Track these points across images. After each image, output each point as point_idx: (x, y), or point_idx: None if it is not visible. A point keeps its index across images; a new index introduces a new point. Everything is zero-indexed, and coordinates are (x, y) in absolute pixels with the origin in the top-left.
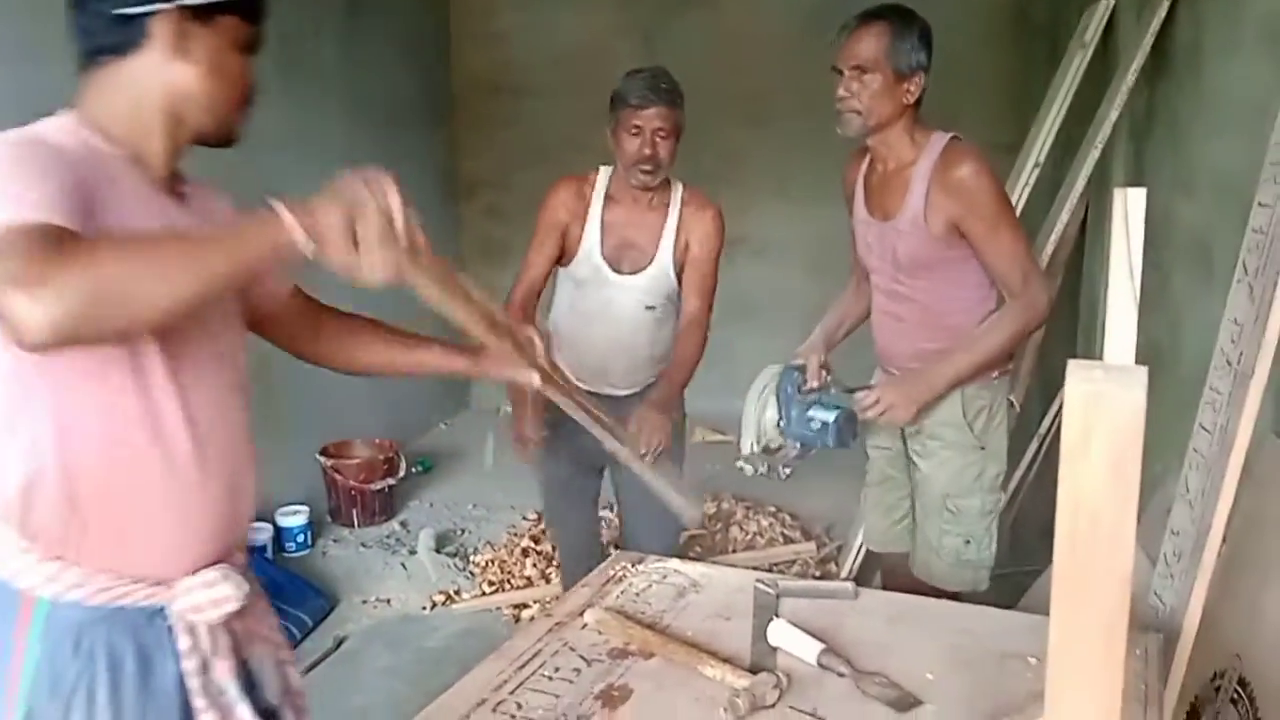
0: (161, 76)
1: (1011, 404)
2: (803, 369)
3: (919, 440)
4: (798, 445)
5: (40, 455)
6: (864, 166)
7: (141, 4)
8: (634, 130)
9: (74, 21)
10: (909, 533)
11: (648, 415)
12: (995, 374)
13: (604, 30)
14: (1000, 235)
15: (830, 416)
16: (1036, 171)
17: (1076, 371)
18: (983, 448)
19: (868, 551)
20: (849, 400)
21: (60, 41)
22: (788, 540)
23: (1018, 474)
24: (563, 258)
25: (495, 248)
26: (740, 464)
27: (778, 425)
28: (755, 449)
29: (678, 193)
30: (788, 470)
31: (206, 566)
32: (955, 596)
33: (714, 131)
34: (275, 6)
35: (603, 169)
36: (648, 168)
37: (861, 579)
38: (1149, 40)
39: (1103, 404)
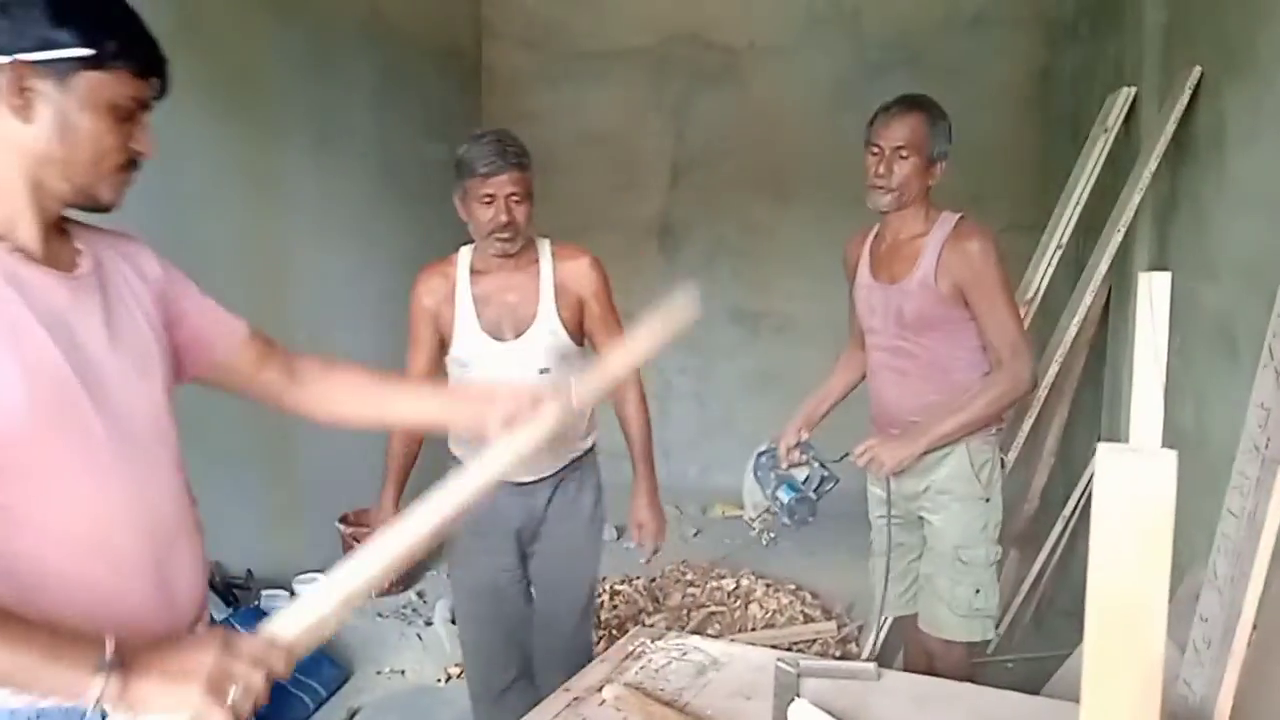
0: (9, 137)
1: (1002, 459)
2: (773, 451)
3: (928, 497)
4: (790, 514)
5: None
6: (870, 238)
7: None
8: (486, 199)
9: None
10: (918, 595)
11: (646, 518)
12: (994, 430)
13: (633, 108)
14: (999, 307)
15: (786, 497)
16: (1059, 253)
17: (1107, 456)
18: (987, 499)
19: (889, 631)
20: (815, 479)
21: None
22: (808, 619)
23: (1042, 556)
24: (443, 345)
25: None
26: (747, 525)
27: (765, 498)
28: (754, 514)
29: (545, 247)
30: (772, 535)
31: None
32: (967, 651)
33: (738, 206)
34: (308, 81)
35: (463, 248)
36: (506, 235)
37: (883, 660)
38: (1171, 126)
39: (1133, 489)
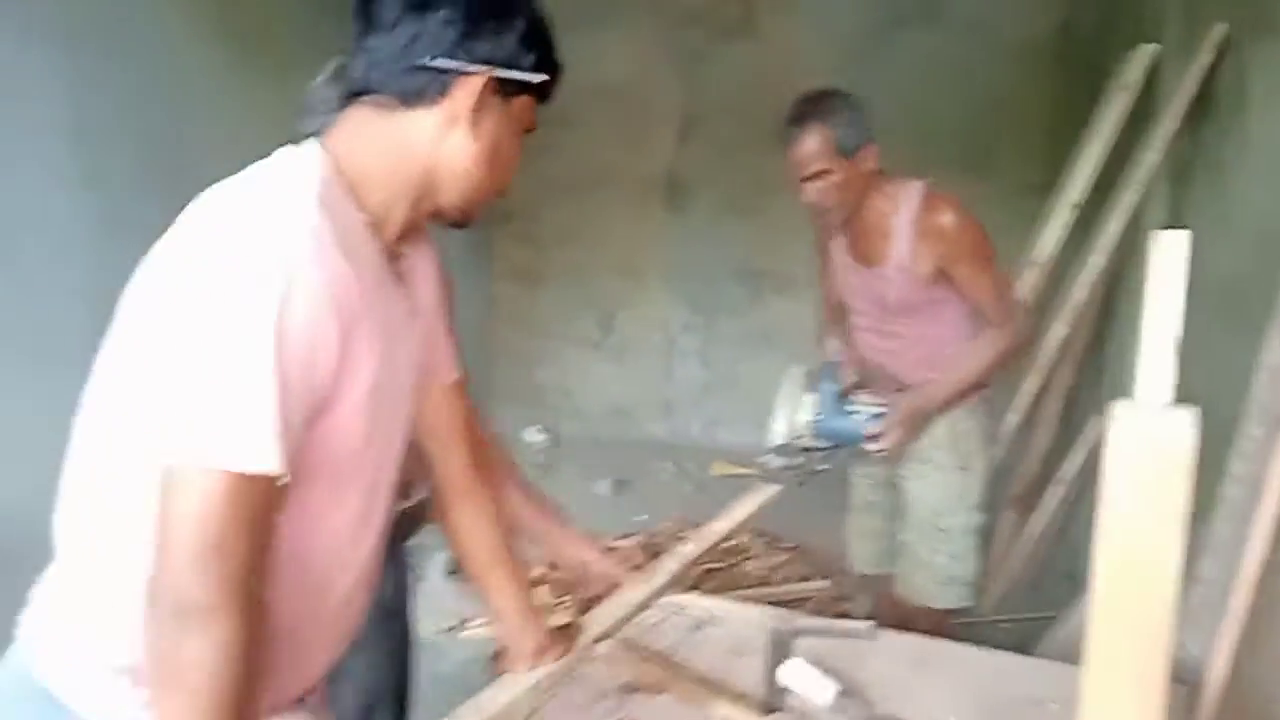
0: (439, 141)
1: (986, 426)
2: (839, 365)
3: (906, 464)
4: (826, 443)
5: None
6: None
7: (458, 60)
8: None
9: (369, 49)
10: (892, 555)
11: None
12: (978, 400)
13: (645, 60)
14: (984, 275)
15: (873, 409)
16: (1076, 211)
17: (1123, 413)
18: (964, 467)
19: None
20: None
21: None
22: (804, 578)
23: (1042, 519)
24: None
25: (525, 273)
26: (765, 458)
27: (811, 421)
28: (785, 440)
29: None
30: (825, 466)
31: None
32: (944, 617)
33: (748, 162)
34: (328, 20)
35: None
36: None
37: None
38: (1193, 85)
39: (1149, 445)
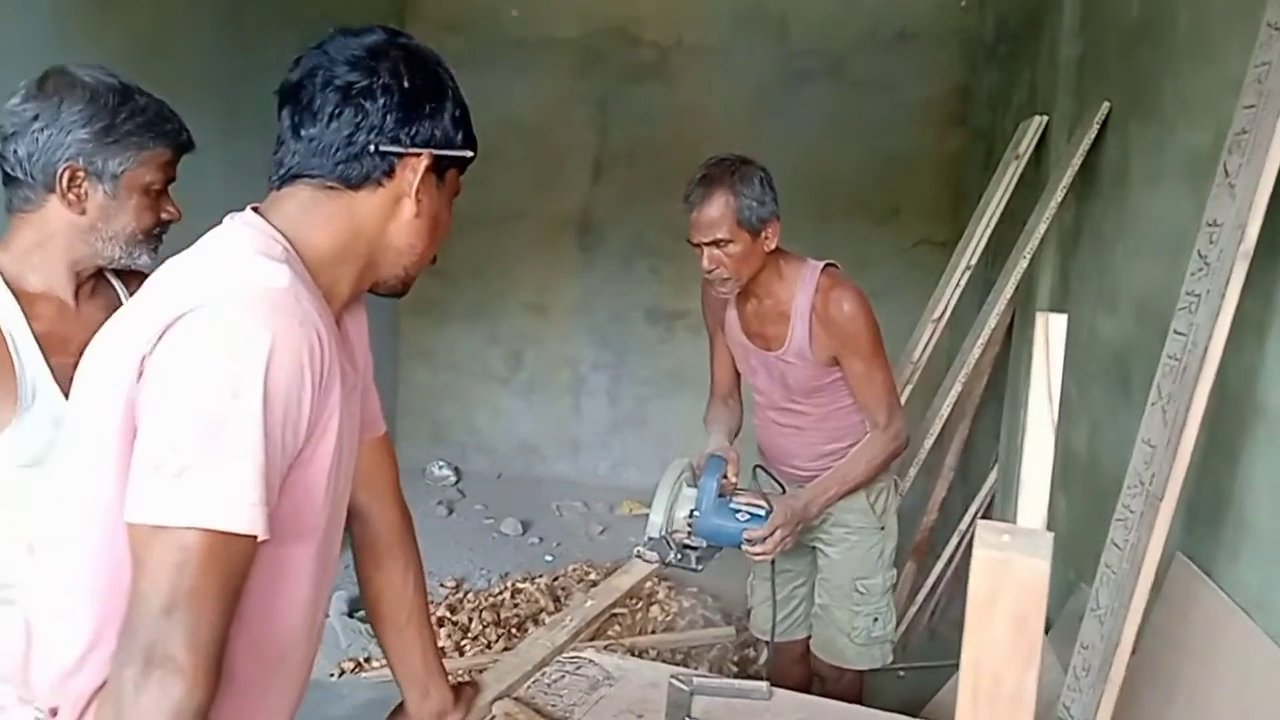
0: (386, 220)
1: (896, 483)
2: (723, 461)
3: (824, 529)
4: (703, 542)
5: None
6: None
7: (401, 144)
8: (152, 188)
9: (307, 137)
10: (805, 621)
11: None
12: None
13: (557, 100)
14: (874, 373)
15: (754, 510)
16: (968, 273)
17: (985, 534)
18: (882, 527)
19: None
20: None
21: None
22: (708, 623)
23: (937, 568)
24: None
25: (433, 307)
26: (639, 550)
27: (689, 517)
28: (660, 535)
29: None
30: (700, 566)
31: None
32: (857, 676)
33: (659, 204)
34: (220, 52)
35: None
36: (157, 245)
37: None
38: (1078, 159)
39: (1008, 569)
